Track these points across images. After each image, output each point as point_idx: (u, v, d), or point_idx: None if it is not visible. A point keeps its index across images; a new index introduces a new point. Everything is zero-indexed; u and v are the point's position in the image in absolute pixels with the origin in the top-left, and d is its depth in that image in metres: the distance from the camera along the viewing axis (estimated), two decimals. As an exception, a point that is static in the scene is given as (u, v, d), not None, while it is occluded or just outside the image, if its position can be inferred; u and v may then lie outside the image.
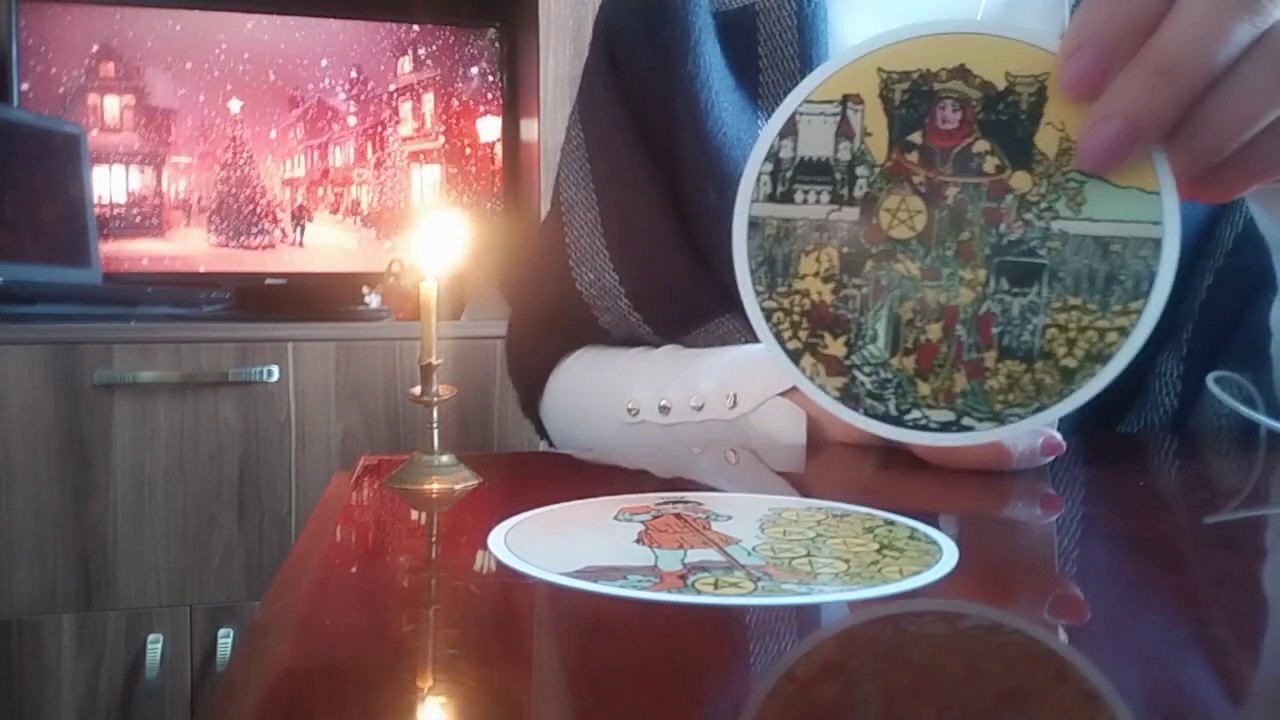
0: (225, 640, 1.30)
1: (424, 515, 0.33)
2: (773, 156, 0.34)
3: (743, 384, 0.51)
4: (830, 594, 0.23)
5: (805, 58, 0.58)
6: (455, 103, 1.73)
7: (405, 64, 1.71)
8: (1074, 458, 0.45)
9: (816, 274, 0.34)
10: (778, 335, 0.35)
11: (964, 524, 0.32)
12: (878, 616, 0.22)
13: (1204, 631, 0.22)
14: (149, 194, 1.61)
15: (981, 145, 0.32)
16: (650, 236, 0.60)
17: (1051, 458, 0.40)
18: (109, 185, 1.59)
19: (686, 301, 0.59)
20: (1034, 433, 0.39)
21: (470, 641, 0.21)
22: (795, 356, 0.35)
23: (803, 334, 0.35)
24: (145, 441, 1.29)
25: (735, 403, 0.50)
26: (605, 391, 0.60)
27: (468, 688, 0.18)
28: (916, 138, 0.33)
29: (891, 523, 0.30)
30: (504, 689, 0.19)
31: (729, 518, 0.30)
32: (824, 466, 0.45)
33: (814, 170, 0.34)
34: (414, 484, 0.36)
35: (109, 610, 1.28)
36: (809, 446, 0.47)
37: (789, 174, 0.34)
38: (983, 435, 0.33)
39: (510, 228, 1.73)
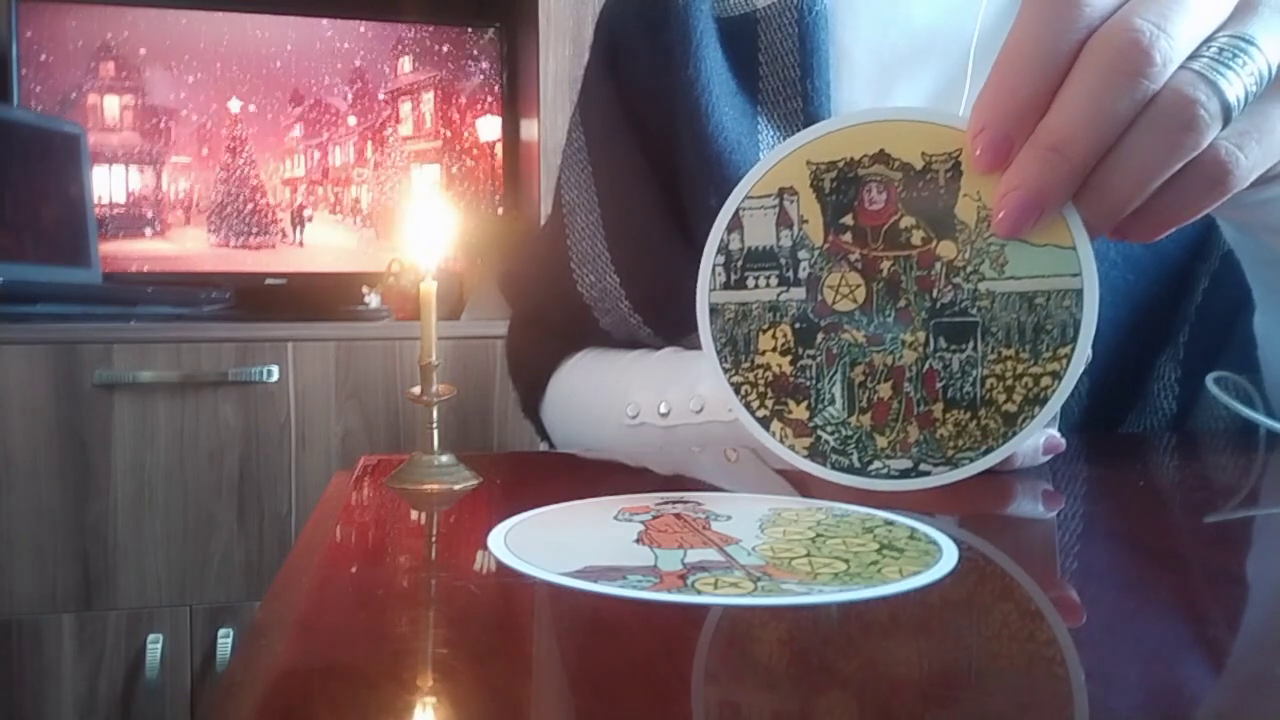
0: (225, 640, 1.30)
1: (424, 515, 0.33)
2: (724, 249, 0.38)
3: None
4: (830, 594, 0.23)
5: (806, 65, 0.58)
6: (455, 103, 1.73)
7: (405, 64, 1.71)
8: (1074, 458, 0.45)
9: (774, 349, 0.38)
10: (747, 405, 0.39)
11: (964, 524, 0.32)
12: (877, 616, 0.22)
13: (1203, 631, 0.22)
14: (149, 194, 1.61)
15: (907, 220, 0.36)
16: (651, 239, 0.60)
17: (1050, 456, 0.40)
18: (109, 185, 1.59)
19: (686, 304, 0.59)
20: (1042, 435, 0.40)
21: (470, 641, 0.21)
22: (765, 423, 0.38)
23: (769, 402, 0.38)
24: (145, 441, 1.29)
25: None
26: (605, 394, 0.60)
27: (468, 688, 0.18)
28: (849, 219, 0.37)
29: (891, 523, 0.30)
30: (504, 689, 0.19)
31: (729, 518, 0.30)
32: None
33: (761, 258, 0.38)
34: (414, 484, 0.36)
35: (109, 610, 1.28)
36: None
37: (739, 263, 0.38)
38: (939, 479, 0.36)
39: (510, 228, 1.73)
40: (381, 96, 1.70)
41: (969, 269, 0.35)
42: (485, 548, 0.27)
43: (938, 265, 0.35)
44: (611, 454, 0.54)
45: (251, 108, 1.65)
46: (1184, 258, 0.52)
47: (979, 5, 0.55)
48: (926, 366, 0.36)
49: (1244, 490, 0.40)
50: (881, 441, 0.37)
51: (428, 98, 1.72)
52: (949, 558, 0.26)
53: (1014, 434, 0.35)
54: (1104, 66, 0.31)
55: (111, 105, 1.59)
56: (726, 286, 0.39)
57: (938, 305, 0.35)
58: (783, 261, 0.38)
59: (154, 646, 1.28)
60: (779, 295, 0.38)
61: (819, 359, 0.37)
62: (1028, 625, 0.23)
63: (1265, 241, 0.45)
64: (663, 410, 0.54)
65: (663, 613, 0.22)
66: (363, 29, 1.69)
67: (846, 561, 0.26)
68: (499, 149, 1.75)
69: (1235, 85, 0.31)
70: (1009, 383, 0.35)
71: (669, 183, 0.60)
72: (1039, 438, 0.40)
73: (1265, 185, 0.35)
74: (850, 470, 0.37)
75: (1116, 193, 0.32)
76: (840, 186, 0.36)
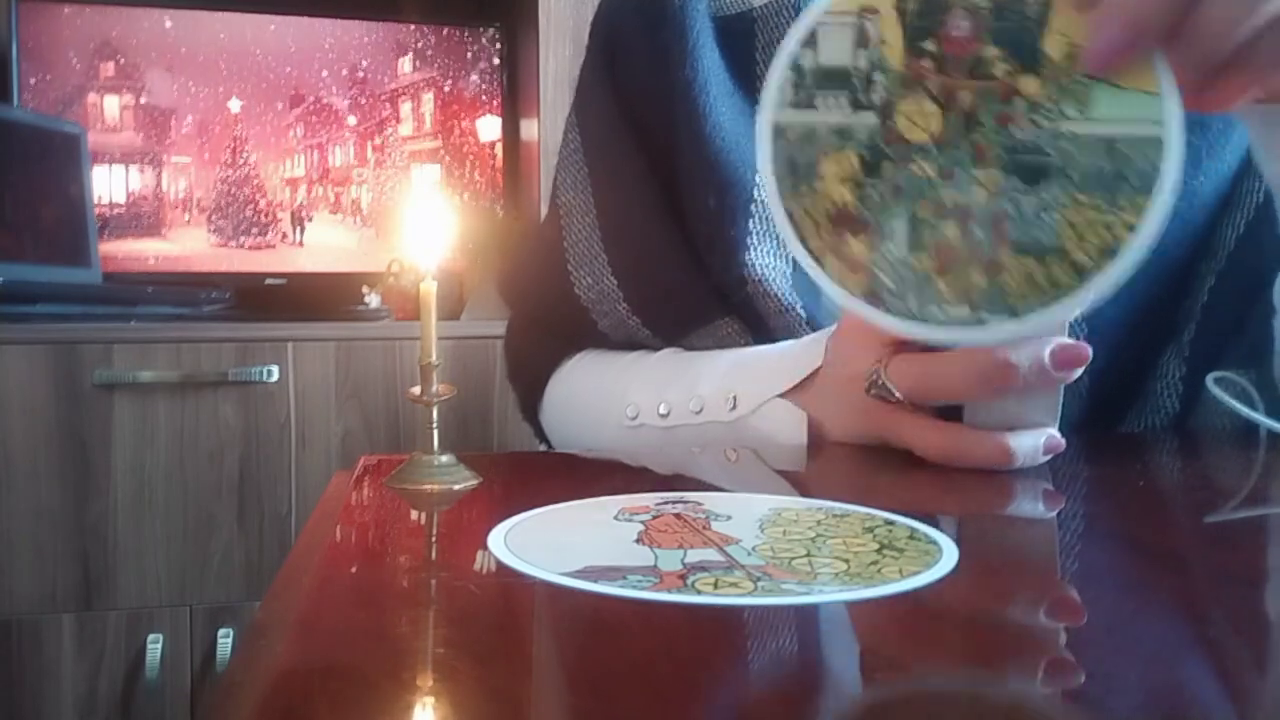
0: (225, 640, 1.30)
1: (424, 515, 0.33)
2: (795, 66, 0.36)
3: (742, 386, 0.50)
4: (830, 594, 0.23)
5: None
6: (455, 103, 1.73)
7: (405, 64, 1.71)
8: (1074, 458, 0.45)
9: (838, 177, 0.35)
10: (801, 237, 0.36)
11: (964, 524, 0.32)
12: (877, 617, 0.22)
13: (1204, 632, 0.22)
14: (149, 194, 1.61)
15: (992, 51, 0.34)
16: (648, 240, 0.60)
17: (1050, 456, 0.40)
18: (109, 185, 1.59)
19: (685, 304, 0.59)
20: (1036, 431, 0.40)
21: (470, 641, 0.21)
22: (818, 255, 0.36)
23: (826, 235, 0.36)
24: (145, 441, 1.29)
25: (735, 405, 0.50)
26: (604, 395, 0.60)
27: (468, 688, 0.18)
28: (930, 45, 0.34)
29: (891, 523, 0.30)
30: (504, 689, 0.19)
31: (729, 518, 0.30)
32: (824, 466, 0.45)
33: (834, 78, 0.35)
34: (414, 484, 0.36)
35: (109, 610, 1.28)
36: (809, 447, 0.47)
37: (811, 82, 0.36)
38: (997, 331, 0.34)
39: (510, 228, 1.73)
40: (381, 96, 1.70)
41: (1051, 107, 0.33)
42: (485, 548, 0.27)
43: (1019, 101, 0.34)
44: (611, 454, 0.54)
45: (252, 108, 1.65)
46: (1185, 257, 0.52)
47: None
48: (998, 207, 0.34)
49: (1244, 490, 0.40)
50: (941, 285, 0.34)
51: (427, 98, 1.72)
52: (949, 558, 0.26)
53: (1083, 287, 0.33)
54: None
55: (111, 105, 1.59)
56: (794, 105, 0.36)
57: (1016, 143, 0.34)
58: (856, 83, 0.35)
59: (154, 646, 1.28)
60: (849, 119, 0.35)
61: (884, 191, 0.35)
62: (1028, 625, 0.23)
63: None
64: (662, 411, 0.54)
65: (663, 613, 0.22)
66: (363, 29, 1.69)
67: (846, 561, 0.26)
68: (499, 149, 1.75)
69: None
70: (1081, 230, 0.33)
71: (666, 183, 0.60)
72: (1039, 436, 0.39)
73: None
74: (906, 315, 0.35)
75: (1210, 36, 0.31)
76: (925, 9, 0.34)
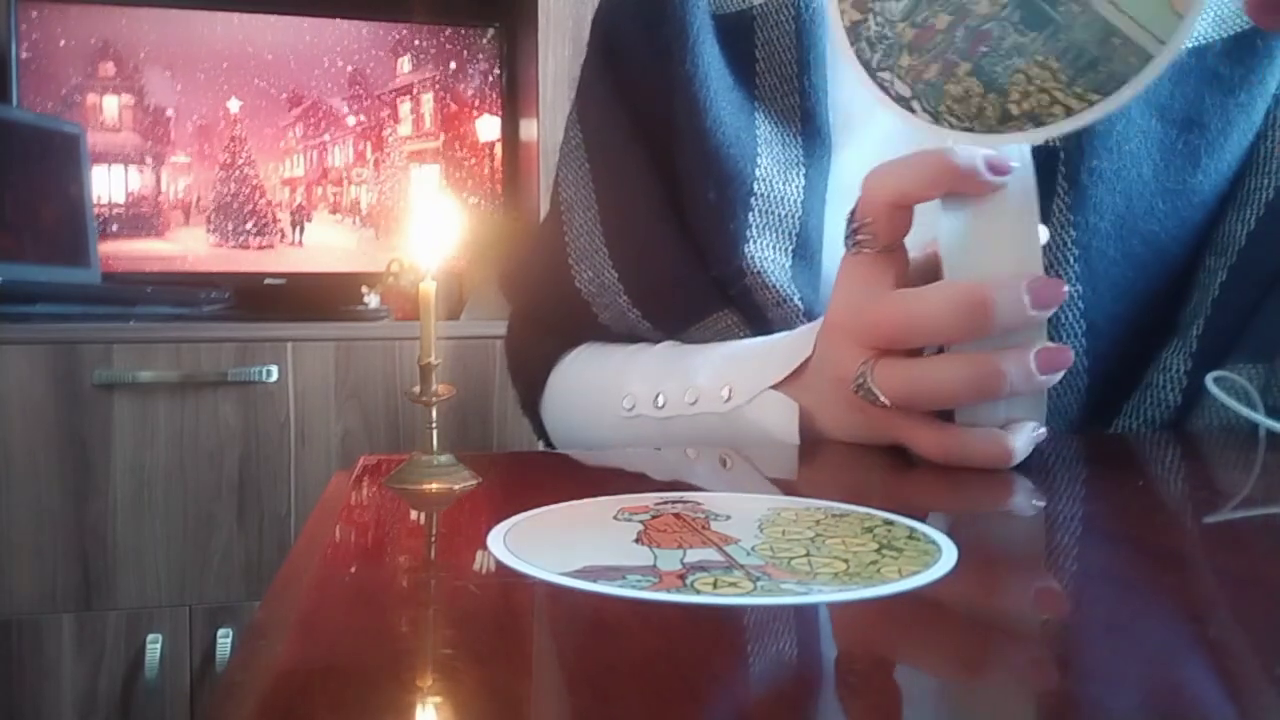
0: (225, 640, 1.31)
1: (423, 515, 0.33)
2: None
3: (738, 377, 0.51)
4: (829, 594, 0.23)
5: (803, 62, 0.58)
6: (454, 102, 1.73)
7: (404, 64, 1.71)
8: (1074, 458, 0.45)
9: None
10: None
11: (963, 523, 0.32)
12: (876, 616, 0.22)
13: (1204, 632, 0.22)
14: (148, 194, 1.61)
15: None
16: (648, 234, 0.61)
17: (1032, 447, 0.40)
18: (108, 185, 1.59)
19: (685, 296, 0.59)
20: (1027, 426, 0.40)
21: (470, 641, 0.21)
22: None
23: None
24: (145, 441, 1.29)
25: (730, 395, 0.50)
26: (602, 386, 0.61)
27: (467, 688, 0.18)
28: None
29: (890, 522, 0.30)
30: (503, 689, 0.19)
31: (728, 517, 0.30)
32: (823, 466, 0.45)
33: None
34: (413, 484, 0.36)
35: (109, 610, 1.28)
36: (802, 440, 0.47)
37: None
38: (918, 121, 0.36)
39: (510, 227, 1.73)
40: (381, 96, 1.70)
41: None
42: (485, 548, 0.27)
43: None
44: (611, 454, 0.54)
45: (251, 108, 1.65)
46: (1184, 254, 0.52)
47: None
48: (986, 26, 0.35)
49: (1244, 490, 0.40)
50: (905, 60, 0.36)
51: (427, 98, 1.72)
52: (948, 557, 0.26)
53: (1000, 131, 0.34)
54: None
55: (111, 105, 1.59)
56: None
57: None
58: None
59: (154, 646, 1.28)
60: None
61: None
62: (1027, 625, 0.23)
63: None
64: (659, 402, 0.54)
65: (662, 612, 0.22)
66: (363, 29, 1.69)
67: (846, 561, 0.26)
68: (499, 149, 1.75)
69: None
70: (1028, 88, 0.34)
71: (667, 178, 0.60)
72: (1030, 432, 0.39)
73: None
74: (864, 63, 0.37)
75: None
76: None
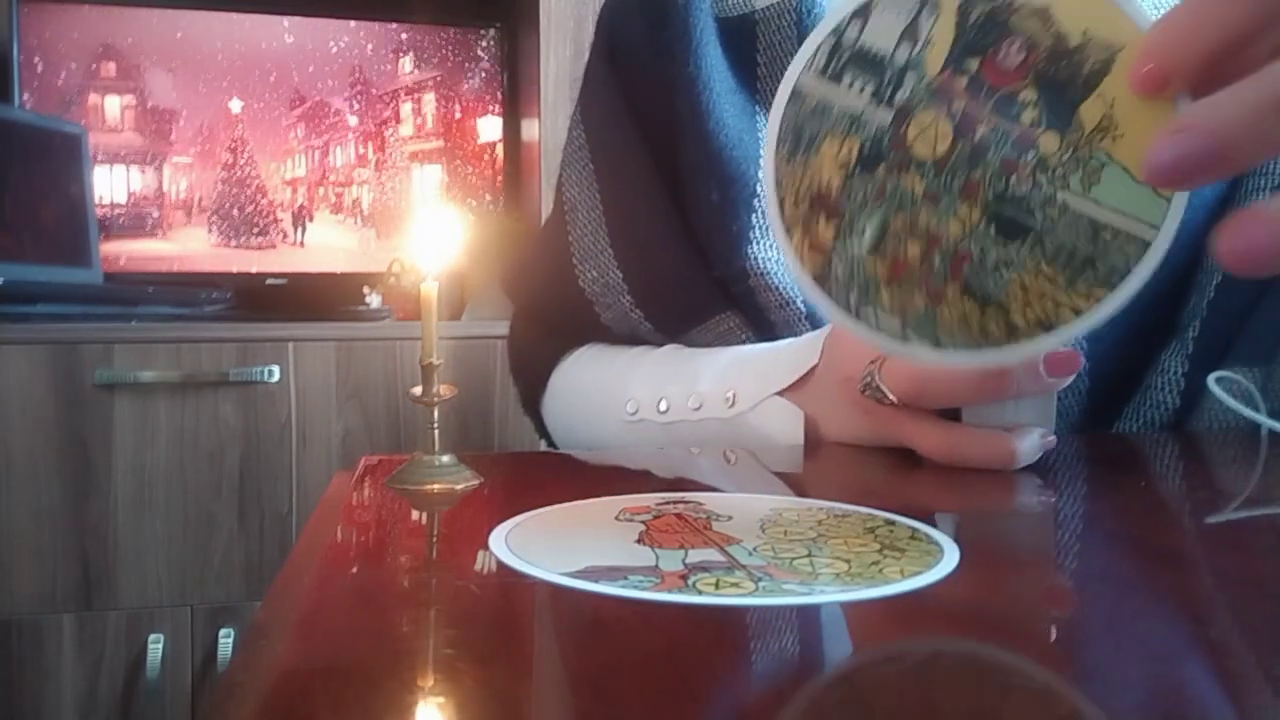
0: (226, 640, 1.31)
1: (425, 515, 0.33)
2: (838, 32, 0.35)
3: (741, 383, 0.51)
4: (831, 594, 0.23)
5: None
6: (455, 103, 1.73)
7: (405, 64, 1.71)
8: (1075, 458, 0.45)
9: (833, 158, 0.35)
10: (780, 201, 0.36)
11: (965, 524, 0.32)
12: (878, 617, 0.22)
13: (1205, 632, 0.22)
14: (150, 194, 1.61)
15: (1030, 95, 0.32)
16: (652, 234, 0.61)
17: (1042, 453, 0.40)
18: (110, 185, 1.59)
19: (688, 297, 0.59)
20: (1033, 430, 0.40)
21: (471, 641, 0.21)
22: (789, 226, 0.36)
23: (802, 207, 0.36)
24: (145, 441, 1.29)
25: (733, 402, 0.50)
26: (606, 390, 0.61)
27: (468, 688, 0.18)
28: (974, 64, 0.33)
29: (892, 523, 0.30)
30: (504, 689, 0.19)
31: (730, 518, 0.30)
32: (824, 466, 0.45)
33: (868, 62, 0.35)
34: (415, 484, 0.36)
35: (109, 610, 1.28)
36: (805, 446, 0.47)
37: (846, 56, 0.35)
38: (918, 352, 0.34)
39: (510, 228, 1.73)
40: (382, 97, 1.70)
41: (1059, 173, 0.32)
42: (486, 548, 0.27)
43: (1031, 154, 0.33)
44: (612, 454, 0.54)
45: (252, 108, 1.65)
46: (1187, 255, 0.52)
47: None
48: (964, 247, 0.33)
49: (1245, 490, 0.40)
50: (885, 295, 0.34)
51: (428, 98, 1.72)
52: (950, 558, 0.26)
53: (1009, 345, 0.33)
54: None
55: (112, 105, 1.59)
56: (822, 73, 0.35)
57: (1009, 193, 0.33)
58: (887, 76, 0.34)
59: (154, 646, 1.28)
60: (865, 109, 0.35)
61: (870, 189, 0.35)
62: (1029, 626, 0.23)
63: None
64: (662, 408, 0.54)
65: (664, 613, 0.22)
66: (363, 29, 1.69)
67: (848, 562, 0.26)
68: (499, 149, 1.75)
69: None
70: (1030, 297, 0.33)
71: (670, 179, 0.61)
72: (1036, 436, 0.40)
73: None
74: (843, 306, 0.35)
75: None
76: (986, 25, 0.33)
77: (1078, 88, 0.32)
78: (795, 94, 0.35)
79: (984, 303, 0.33)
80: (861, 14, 0.34)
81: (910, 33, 0.34)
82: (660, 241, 0.60)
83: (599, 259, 0.63)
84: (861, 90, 0.34)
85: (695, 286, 0.59)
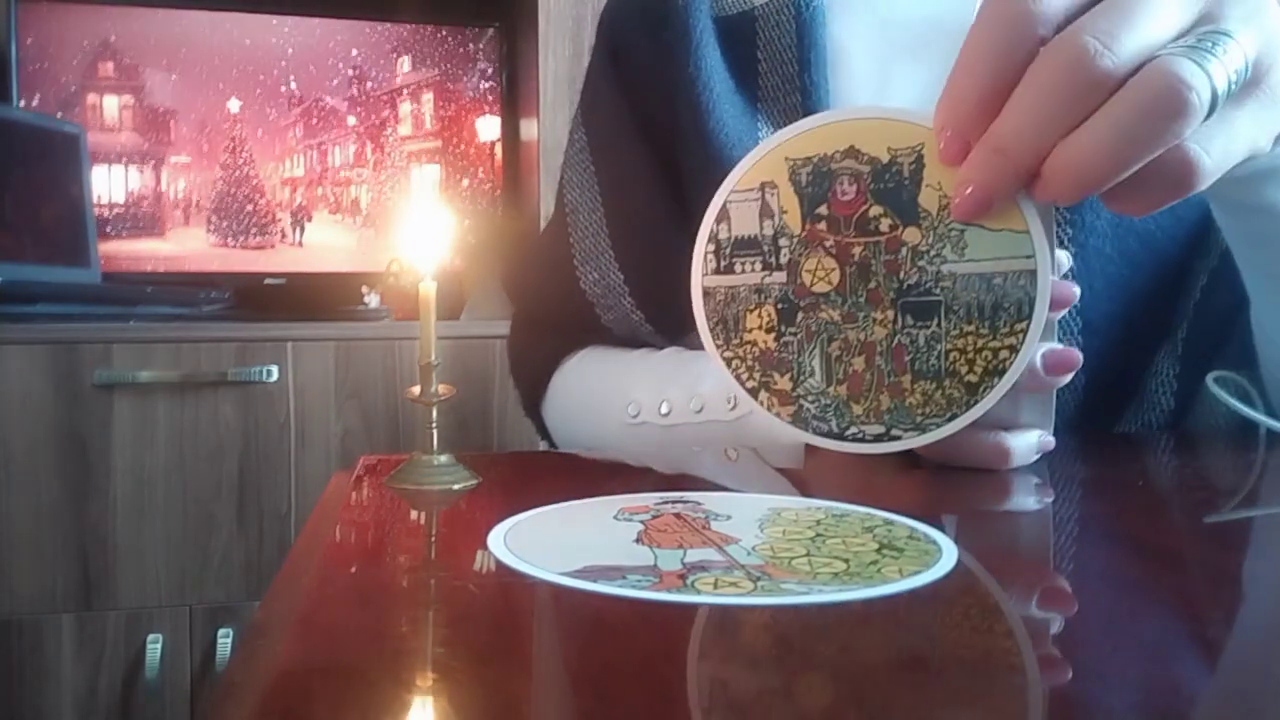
0: (225, 640, 1.31)
1: (423, 515, 0.33)
2: (714, 238, 0.42)
3: None
4: (829, 594, 0.23)
5: (804, 61, 0.58)
6: (455, 102, 1.73)
7: (405, 64, 1.71)
8: (1073, 457, 0.45)
9: (760, 327, 0.41)
10: (738, 377, 0.42)
11: (963, 524, 0.32)
12: (877, 616, 0.22)
13: (1203, 631, 0.22)
14: (148, 194, 1.61)
15: (876, 210, 0.39)
16: (654, 236, 0.61)
17: (1040, 455, 0.40)
18: (109, 185, 1.59)
19: (689, 300, 0.59)
20: (1030, 431, 0.40)
21: (470, 641, 0.21)
22: (754, 393, 0.42)
23: (757, 375, 0.42)
24: (145, 441, 1.29)
25: (735, 404, 0.50)
26: (607, 392, 0.60)
27: (467, 688, 0.18)
28: (823, 209, 0.40)
29: (891, 522, 0.30)
30: (503, 689, 0.19)
31: (728, 517, 0.30)
32: (824, 466, 0.45)
33: (747, 245, 0.42)
34: (414, 484, 0.36)
35: (109, 610, 1.28)
36: (807, 448, 0.47)
37: (728, 250, 0.42)
38: (908, 443, 0.39)
39: (510, 228, 1.73)
40: (381, 97, 1.70)
41: (932, 253, 0.38)
42: (485, 547, 0.27)
43: (904, 250, 0.38)
44: (611, 454, 0.54)
45: (251, 108, 1.65)
46: (1181, 254, 0.52)
47: (975, 1, 0.55)
48: (895, 342, 0.39)
49: (1243, 490, 0.40)
50: (857, 409, 0.39)
51: (427, 98, 1.72)
52: (948, 558, 0.26)
53: (976, 402, 0.37)
54: (1048, 78, 0.32)
55: (111, 105, 1.59)
56: (717, 271, 0.42)
57: (904, 286, 0.38)
58: (765, 248, 0.41)
59: (154, 646, 1.28)
60: (763, 279, 0.41)
61: (800, 335, 0.41)
62: (1027, 625, 0.23)
63: (1246, 221, 0.45)
64: (663, 410, 0.54)
65: (662, 612, 0.22)
66: (363, 29, 1.69)
67: (846, 561, 0.26)
68: (499, 149, 1.75)
69: (1219, 75, 0.31)
70: (970, 356, 0.38)
71: (672, 180, 0.61)
72: (1033, 436, 0.40)
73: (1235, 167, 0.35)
74: (830, 435, 0.40)
75: (1090, 169, 0.32)
76: (815, 180, 0.40)
77: (908, 188, 0.38)
78: (706, 294, 0.42)
79: (937, 378, 0.38)
80: (722, 217, 0.42)
81: (765, 211, 0.41)
82: (662, 243, 0.60)
83: (600, 260, 0.63)
84: (753, 268, 0.41)
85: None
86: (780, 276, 0.41)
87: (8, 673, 1.24)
